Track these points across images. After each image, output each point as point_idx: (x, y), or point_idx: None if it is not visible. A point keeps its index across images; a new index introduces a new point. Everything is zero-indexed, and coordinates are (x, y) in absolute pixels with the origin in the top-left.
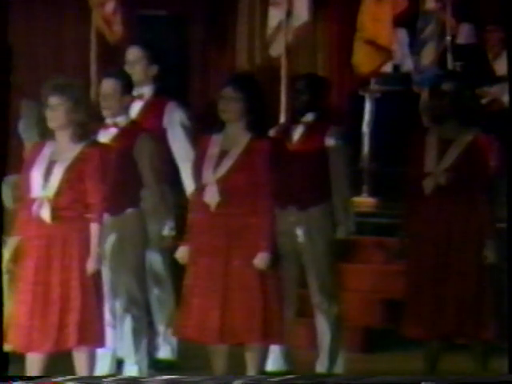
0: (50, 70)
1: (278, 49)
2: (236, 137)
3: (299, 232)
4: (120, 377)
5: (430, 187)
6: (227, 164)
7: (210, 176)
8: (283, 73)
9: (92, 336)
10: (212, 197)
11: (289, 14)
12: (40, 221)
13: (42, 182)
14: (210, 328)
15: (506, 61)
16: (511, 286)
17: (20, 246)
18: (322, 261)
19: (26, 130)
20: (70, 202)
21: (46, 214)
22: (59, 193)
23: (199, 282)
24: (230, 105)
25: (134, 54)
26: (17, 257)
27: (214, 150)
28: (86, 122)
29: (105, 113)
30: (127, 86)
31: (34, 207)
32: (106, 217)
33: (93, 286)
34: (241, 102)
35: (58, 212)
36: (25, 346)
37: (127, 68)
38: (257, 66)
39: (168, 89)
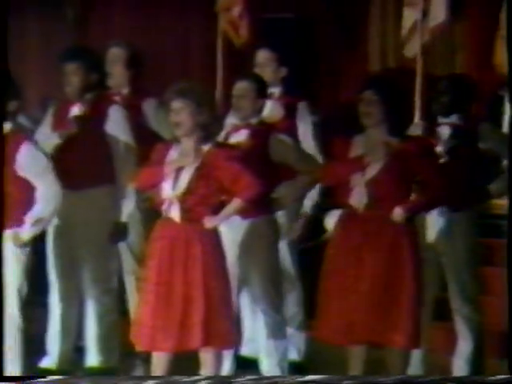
0: (177, 73)
1: (413, 49)
2: (378, 140)
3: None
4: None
5: None
6: (376, 167)
7: (358, 178)
8: (418, 73)
9: (218, 337)
10: (360, 199)
11: (425, 13)
12: (166, 221)
13: (172, 183)
14: (352, 331)
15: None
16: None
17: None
18: (463, 264)
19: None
20: (197, 204)
21: (175, 213)
22: (187, 193)
23: (337, 284)
24: (372, 108)
25: (263, 56)
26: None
27: (355, 152)
28: (211, 124)
29: (237, 114)
30: (261, 88)
31: (164, 207)
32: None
33: (218, 287)
34: (382, 104)
35: (185, 212)
36: (148, 345)
37: (257, 70)
38: (390, 66)
39: (298, 91)
